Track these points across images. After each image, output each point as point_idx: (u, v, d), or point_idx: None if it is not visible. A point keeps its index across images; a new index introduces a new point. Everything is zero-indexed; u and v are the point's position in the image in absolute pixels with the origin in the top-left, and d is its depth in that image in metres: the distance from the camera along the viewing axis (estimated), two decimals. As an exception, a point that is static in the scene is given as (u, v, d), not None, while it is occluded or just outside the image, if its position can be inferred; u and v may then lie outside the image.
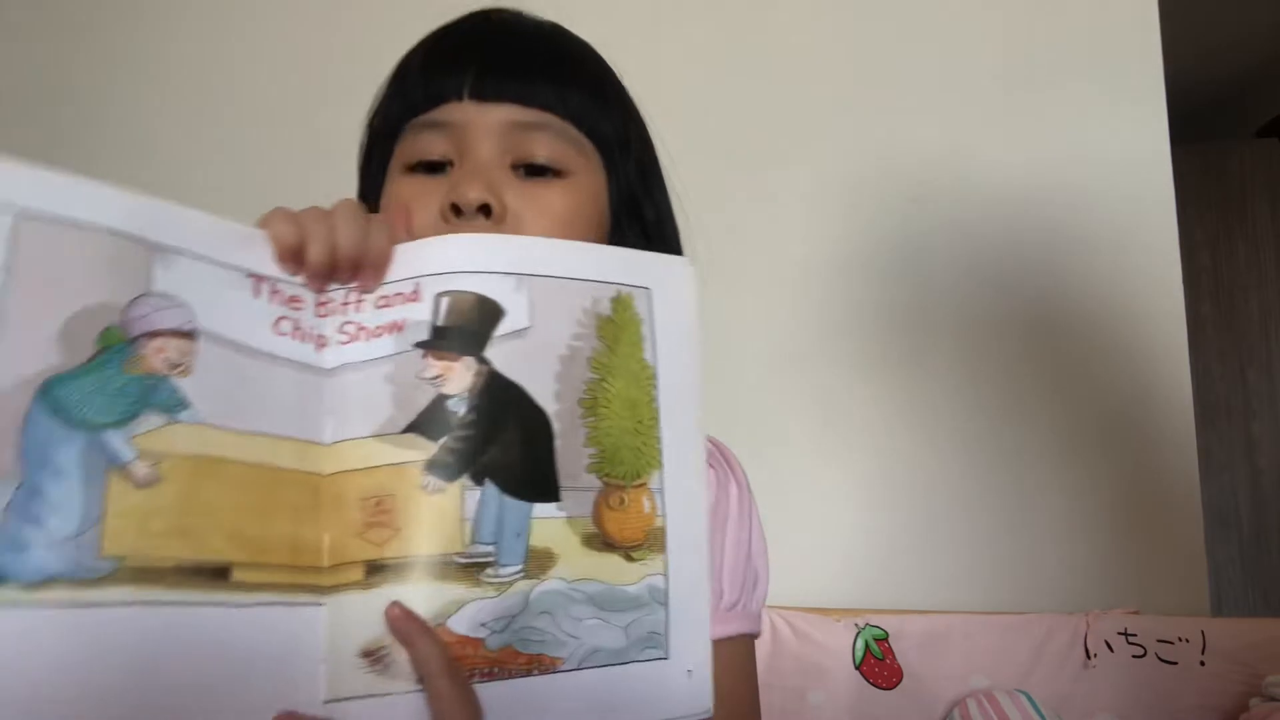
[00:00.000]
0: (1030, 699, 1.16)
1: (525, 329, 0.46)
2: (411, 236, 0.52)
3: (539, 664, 0.45)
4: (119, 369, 0.39)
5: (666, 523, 0.49)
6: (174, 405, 0.40)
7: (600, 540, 0.47)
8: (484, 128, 0.56)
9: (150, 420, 0.39)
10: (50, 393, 0.37)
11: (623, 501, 0.48)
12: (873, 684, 1.23)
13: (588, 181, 0.59)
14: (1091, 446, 1.40)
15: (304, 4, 1.70)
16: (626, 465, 0.48)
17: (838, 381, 1.45)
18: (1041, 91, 1.49)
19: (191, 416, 0.40)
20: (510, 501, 0.45)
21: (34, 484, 0.36)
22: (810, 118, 1.53)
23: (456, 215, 0.54)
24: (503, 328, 0.46)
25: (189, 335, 0.41)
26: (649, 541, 0.48)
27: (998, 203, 1.46)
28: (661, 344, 0.50)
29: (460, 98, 0.57)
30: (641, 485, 0.48)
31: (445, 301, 0.45)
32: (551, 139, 0.57)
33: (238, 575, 0.40)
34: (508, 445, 0.45)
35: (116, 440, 0.38)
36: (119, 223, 0.40)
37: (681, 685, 0.48)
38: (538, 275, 0.47)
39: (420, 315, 0.45)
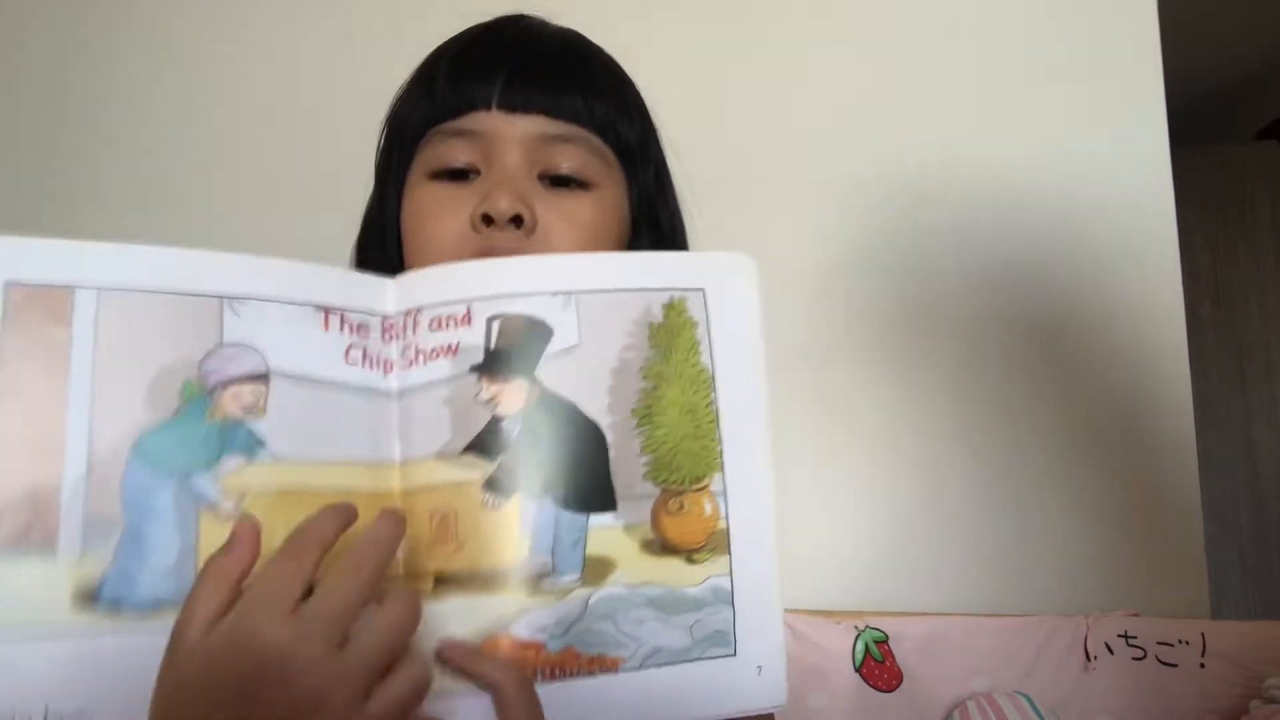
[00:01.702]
0: (1030, 701, 1.15)
1: (574, 346, 0.48)
2: (436, 247, 0.55)
3: (601, 664, 0.47)
4: (200, 419, 0.44)
5: (730, 524, 0.50)
6: (252, 446, 0.44)
7: (660, 545, 0.48)
8: (512, 139, 0.57)
9: (231, 463, 0.44)
10: (142, 447, 0.43)
11: (681, 506, 0.49)
12: (873, 686, 1.22)
13: (611, 192, 0.60)
14: (1091, 448, 1.40)
15: (304, 3, 1.70)
16: (684, 470, 0.49)
17: (837, 383, 1.45)
18: (1042, 92, 1.49)
19: (268, 454, 0.45)
20: (566, 514, 0.47)
21: (136, 527, 0.42)
22: (811, 119, 1.53)
23: (487, 225, 0.54)
24: (553, 346, 0.48)
25: (261, 378, 0.45)
26: (711, 543, 0.49)
27: (997, 204, 1.46)
28: (719, 345, 0.51)
29: (489, 107, 0.57)
30: (702, 489, 0.49)
31: (496, 325, 0.48)
32: (578, 151, 0.58)
33: None
34: (561, 460, 0.47)
35: (203, 483, 0.43)
36: (188, 283, 0.45)
37: (750, 681, 0.49)
38: (586, 291, 0.49)
39: (473, 339, 0.48)
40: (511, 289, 0.48)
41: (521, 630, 0.46)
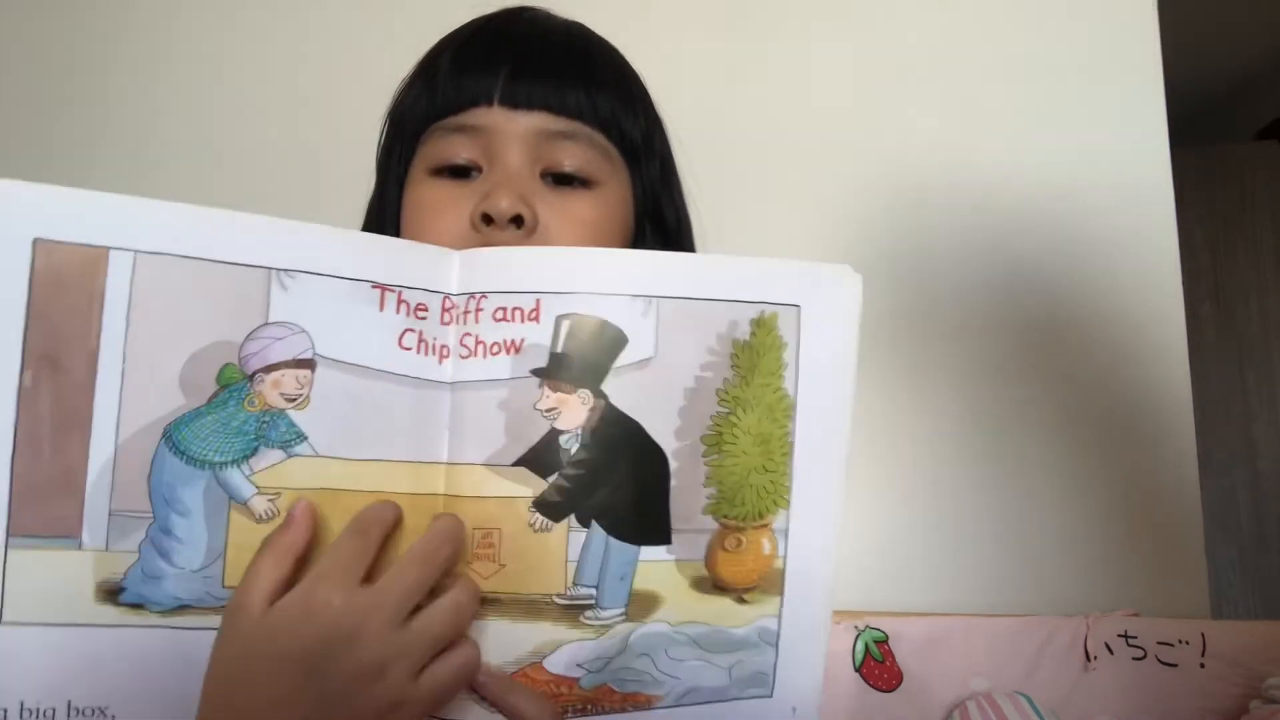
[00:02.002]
0: (1030, 701, 1.15)
1: (649, 359, 0.44)
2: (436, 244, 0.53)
3: (634, 702, 0.44)
4: (238, 406, 0.40)
5: (787, 564, 0.46)
6: (291, 439, 0.41)
7: (711, 584, 0.45)
8: (514, 135, 0.55)
9: (268, 456, 0.41)
10: (174, 434, 0.39)
11: (740, 544, 0.45)
12: (872, 686, 1.22)
13: (615, 190, 0.59)
14: (1091, 448, 1.39)
15: (303, 2, 1.70)
16: (748, 506, 0.46)
17: (837, 383, 1.44)
18: (1041, 92, 1.48)
19: (309, 449, 0.42)
20: (616, 544, 0.44)
21: (163, 521, 0.40)
22: (810, 120, 1.53)
23: (487, 224, 0.53)
24: (625, 357, 0.44)
25: (307, 364, 0.42)
26: (764, 584, 0.46)
27: (996, 204, 1.46)
28: (805, 370, 0.47)
29: (491, 103, 0.56)
30: (764, 525, 0.46)
31: (566, 325, 0.43)
32: (581, 149, 0.57)
33: None
34: (618, 486, 0.44)
35: (236, 477, 0.41)
36: (234, 251, 0.40)
37: None
38: (669, 297, 0.44)
39: (539, 338, 0.43)
40: (588, 286, 0.43)
41: (558, 664, 0.43)
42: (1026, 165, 1.46)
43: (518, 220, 0.53)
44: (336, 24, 1.66)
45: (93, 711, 0.39)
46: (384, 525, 0.42)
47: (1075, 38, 1.49)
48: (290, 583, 0.40)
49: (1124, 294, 1.41)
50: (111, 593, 0.39)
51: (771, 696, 0.46)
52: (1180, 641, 1.20)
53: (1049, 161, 1.46)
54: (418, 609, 0.41)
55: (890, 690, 1.22)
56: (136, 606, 0.40)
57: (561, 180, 0.57)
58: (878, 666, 1.23)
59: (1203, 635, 1.20)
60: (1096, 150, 1.45)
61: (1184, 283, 1.41)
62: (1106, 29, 1.48)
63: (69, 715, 0.39)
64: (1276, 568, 2.46)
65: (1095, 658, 1.20)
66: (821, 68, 1.55)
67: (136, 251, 0.39)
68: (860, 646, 1.23)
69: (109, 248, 0.38)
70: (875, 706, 1.21)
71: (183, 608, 0.40)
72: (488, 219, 0.53)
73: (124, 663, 0.39)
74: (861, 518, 1.42)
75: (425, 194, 0.57)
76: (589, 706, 0.43)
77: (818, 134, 1.52)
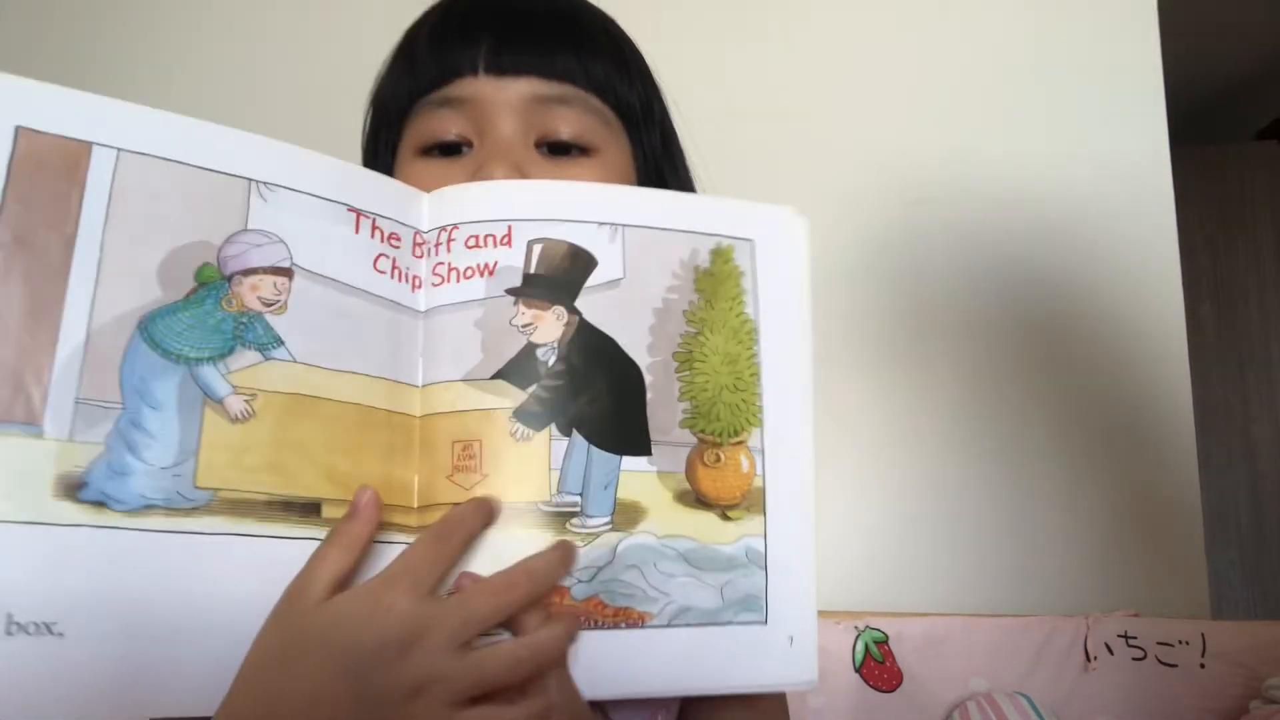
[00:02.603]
0: (1030, 701, 1.15)
1: (618, 280, 0.46)
2: None
3: (626, 618, 0.44)
4: (216, 305, 0.40)
5: (766, 483, 0.47)
6: (268, 343, 0.41)
7: (694, 497, 0.46)
8: (503, 104, 0.52)
9: (245, 357, 0.40)
10: (149, 326, 0.39)
11: (718, 459, 0.47)
12: (873, 687, 1.22)
13: (615, 157, 0.56)
14: (1091, 448, 1.40)
15: None
16: (723, 422, 0.47)
17: (837, 383, 1.45)
18: (1041, 92, 1.48)
19: (285, 354, 0.41)
20: (598, 453, 0.44)
21: (134, 414, 0.38)
22: (810, 120, 1.53)
23: None
24: (595, 278, 0.46)
25: (284, 272, 0.42)
26: (747, 501, 0.47)
27: (997, 204, 1.46)
28: (765, 298, 0.49)
29: (475, 72, 0.53)
30: (740, 443, 0.47)
31: (538, 249, 0.45)
32: (576, 114, 0.53)
33: (328, 512, 0.41)
34: (596, 396, 0.45)
35: (213, 375, 0.40)
36: (216, 159, 0.41)
37: (782, 653, 0.46)
38: (634, 225, 0.47)
39: (512, 261, 0.45)
40: (557, 214, 0.46)
41: None
42: (1026, 165, 1.46)
43: None
44: (330, 14, 1.66)
45: (36, 626, 0.36)
46: (469, 535, 0.41)
47: (1075, 38, 1.49)
48: (355, 572, 0.39)
49: (1124, 294, 1.42)
50: (72, 488, 0.36)
51: (766, 624, 0.46)
52: (1180, 642, 1.20)
53: (1049, 161, 1.46)
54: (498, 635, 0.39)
55: (890, 690, 1.22)
56: (98, 505, 0.37)
57: (558, 149, 0.53)
58: (878, 667, 1.23)
59: (1203, 635, 1.20)
60: (1096, 150, 1.45)
61: (1184, 283, 1.41)
62: (1106, 30, 1.48)
63: (7, 630, 0.35)
64: (1276, 568, 2.46)
65: (1095, 658, 1.20)
66: (822, 68, 1.55)
67: (120, 149, 0.39)
68: (860, 647, 1.23)
69: (93, 143, 0.39)
70: (875, 706, 1.21)
71: (149, 508, 0.37)
72: None
73: (78, 571, 0.36)
74: (862, 518, 1.42)
75: (414, 176, 0.53)
76: (582, 620, 0.43)
77: (818, 134, 1.52)
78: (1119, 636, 1.21)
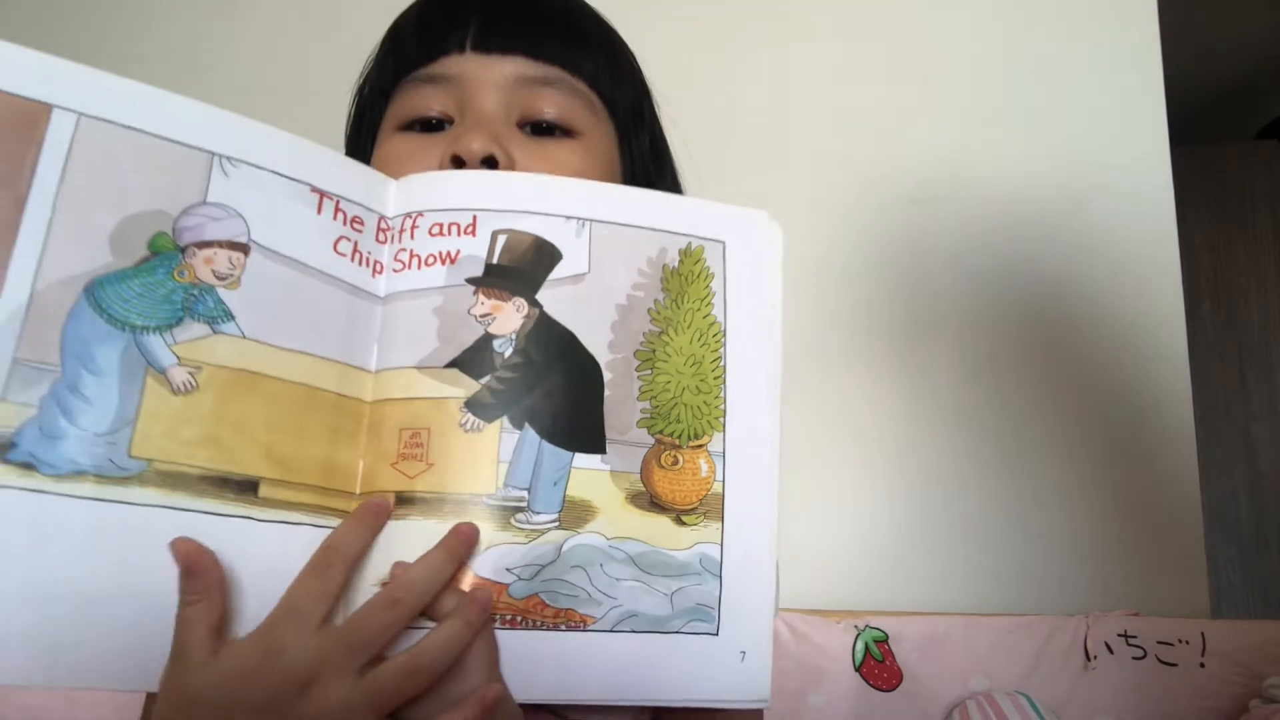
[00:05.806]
0: (1030, 701, 1.15)
1: (583, 274, 0.45)
2: None
3: (567, 620, 0.43)
4: (167, 275, 0.39)
5: (726, 489, 0.46)
6: (218, 316, 0.40)
7: (648, 499, 0.45)
8: (488, 82, 0.51)
9: (193, 329, 0.40)
10: (96, 291, 0.38)
11: (676, 461, 0.45)
12: (873, 686, 1.22)
13: (599, 142, 0.54)
14: (1091, 448, 1.40)
15: None
16: (683, 424, 0.46)
17: (837, 382, 1.45)
18: (1041, 92, 1.49)
19: (235, 329, 0.40)
20: (549, 448, 0.43)
21: (72, 378, 0.37)
22: (810, 120, 1.53)
23: (457, 169, 0.49)
24: (559, 271, 0.45)
25: (240, 247, 0.41)
26: (704, 507, 0.45)
27: (997, 204, 1.46)
28: (734, 302, 0.48)
29: (462, 50, 0.52)
30: (700, 447, 0.46)
31: (502, 239, 0.44)
32: (561, 95, 0.52)
33: (265, 491, 0.40)
34: (551, 392, 0.44)
35: (157, 344, 0.39)
36: (179, 131, 0.41)
37: (733, 667, 0.44)
38: (602, 221, 0.46)
39: (475, 250, 0.44)
40: (524, 205, 0.45)
41: (484, 566, 0.42)
42: (1026, 165, 1.46)
43: (490, 162, 0.49)
44: (324, 10, 1.66)
45: None
46: (350, 560, 0.39)
47: (1075, 38, 1.49)
48: (224, 619, 0.37)
49: (1124, 294, 1.42)
50: (0, 448, 0.35)
51: (718, 635, 0.44)
52: (1180, 641, 1.20)
53: (1049, 161, 1.46)
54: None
55: (890, 690, 1.22)
56: (26, 467, 0.36)
57: (541, 131, 0.52)
58: (878, 666, 1.23)
59: (1202, 635, 1.20)
60: (1097, 150, 1.45)
61: (1184, 283, 1.41)
62: (1106, 29, 1.48)
63: None
64: (1276, 568, 2.46)
65: (1095, 657, 1.20)
66: (822, 69, 1.55)
67: (81, 114, 0.39)
68: (860, 646, 1.24)
69: (53, 105, 0.38)
70: (875, 706, 1.21)
71: (79, 474, 0.36)
72: (459, 162, 0.49)
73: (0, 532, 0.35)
74: (862, 517, 1.42)
75: (390, 150, 0.52)
76: (519, 618, 0.42)
77: (818, 134, 1.53)
78: (1119, 636, 1.21)
